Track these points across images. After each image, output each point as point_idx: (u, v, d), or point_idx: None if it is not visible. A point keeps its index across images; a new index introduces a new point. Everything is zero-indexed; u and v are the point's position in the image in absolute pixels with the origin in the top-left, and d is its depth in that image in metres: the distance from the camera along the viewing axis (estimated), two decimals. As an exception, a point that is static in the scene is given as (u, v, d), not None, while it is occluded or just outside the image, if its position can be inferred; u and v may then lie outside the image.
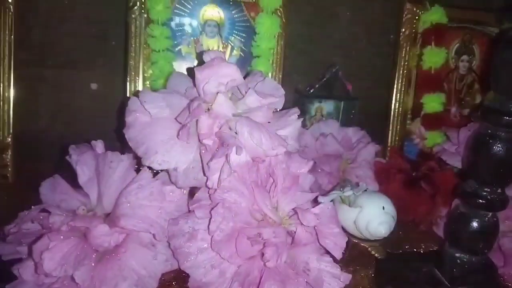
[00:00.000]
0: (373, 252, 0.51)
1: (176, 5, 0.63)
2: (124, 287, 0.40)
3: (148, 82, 0.65)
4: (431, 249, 0.57)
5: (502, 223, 0.53)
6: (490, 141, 0.45)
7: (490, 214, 0.48)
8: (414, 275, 0.49)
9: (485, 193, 0.47)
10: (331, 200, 0.50)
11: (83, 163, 0.48)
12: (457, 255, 0.49)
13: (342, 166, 0.67)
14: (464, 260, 0.49)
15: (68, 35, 0.67)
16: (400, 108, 0.75)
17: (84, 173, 0.48)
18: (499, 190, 0.47)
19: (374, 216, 0.50)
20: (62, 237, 0.40)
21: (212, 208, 0.42)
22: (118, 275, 0.41)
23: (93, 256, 0.41)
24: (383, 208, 0.50)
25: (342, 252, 0.45)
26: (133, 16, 0.62)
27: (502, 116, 0.44)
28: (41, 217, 0.44)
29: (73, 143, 0.49)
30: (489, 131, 0.46)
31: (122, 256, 0.42)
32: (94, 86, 0.70)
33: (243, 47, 0.67)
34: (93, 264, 0.40)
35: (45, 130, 0.66)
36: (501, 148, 0.45)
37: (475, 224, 0.48)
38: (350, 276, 0.44)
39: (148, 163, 0.45)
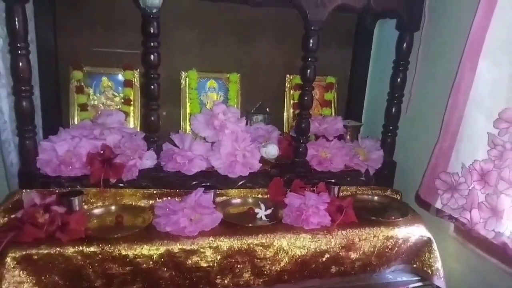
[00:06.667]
0: (271, 161, 1.58)
1: (199, 82, 1.69)
2: (199, 162, 1.44)
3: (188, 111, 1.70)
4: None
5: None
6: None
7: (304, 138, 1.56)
8: (285, 168, 1.57)
9: (301, 141, 1.55)
10: (258, 146, 1.56)
11: (176, 138, 1.51)
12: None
13: (265, 140, 1.73)
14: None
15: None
16: (289, 116, 1.85)
17: (178, 141, 1.51)
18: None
19: (270, 150, 1.57)
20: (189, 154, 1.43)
21: (221, 146, 1.48)
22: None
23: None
24: (273, 146, 1.57)
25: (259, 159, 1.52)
26: (182, 86, 1.68)
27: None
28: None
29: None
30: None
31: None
32: (164, 113, 1.73)
33: (224, 95, 1.74)
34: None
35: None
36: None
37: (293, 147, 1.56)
38: (260, 165, 1.50)
39: (199, 135, 1.51)
